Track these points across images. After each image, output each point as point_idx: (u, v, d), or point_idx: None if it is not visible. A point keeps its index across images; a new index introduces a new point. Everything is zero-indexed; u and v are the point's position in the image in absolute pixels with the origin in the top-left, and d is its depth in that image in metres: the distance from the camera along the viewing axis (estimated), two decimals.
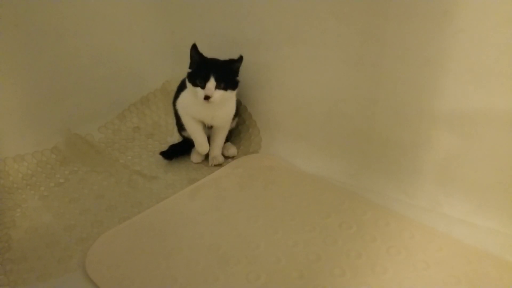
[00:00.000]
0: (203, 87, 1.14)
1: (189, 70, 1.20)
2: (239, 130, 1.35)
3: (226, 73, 1.18)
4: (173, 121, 1.44)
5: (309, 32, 1.16)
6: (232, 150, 1.38)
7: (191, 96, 1.21)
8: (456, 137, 1.01)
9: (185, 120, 1.28)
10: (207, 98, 1.14)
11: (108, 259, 0.95)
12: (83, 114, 1.50)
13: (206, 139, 1.30)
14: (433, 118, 1.03)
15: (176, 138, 1.48)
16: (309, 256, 0.93)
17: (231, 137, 1.42)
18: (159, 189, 1.23)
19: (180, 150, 1.39)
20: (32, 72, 1.37)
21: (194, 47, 1.19)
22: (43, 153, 1.38)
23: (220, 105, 1.21)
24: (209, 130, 1.31)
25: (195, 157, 1.36)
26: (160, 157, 1.37)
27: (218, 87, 1.15)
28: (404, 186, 1.12)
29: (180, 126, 1.34)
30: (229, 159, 1.37)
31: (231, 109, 1.28)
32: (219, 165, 1.34)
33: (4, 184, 1.25)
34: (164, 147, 1.43)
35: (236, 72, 1.23)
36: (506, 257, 0.90)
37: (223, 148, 1.39)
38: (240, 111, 1.40)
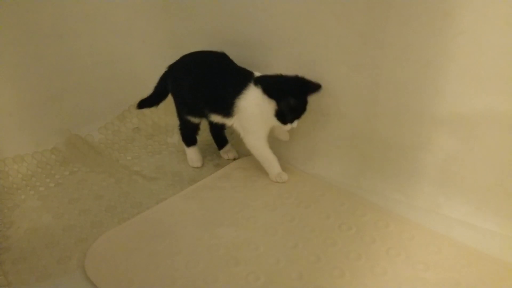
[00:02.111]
0: (288, 124, 1.13)
1: (277, 108, 1.11)
2: (239, 132, 1.35)
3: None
4: (172, 122, 1.44)
5: (310, 33, 1.16)
6: (232, 152, 1.38)
7: (264, 121, 1.15)
8: (456, 139, 1.01)
9: (258, 140, 1.20)
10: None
11: (107, 259, 0.95)
12: (83, 114, 1.50)
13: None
14: (433, 119, 1.03)
15: (176, 139, 1.48)
16: (309, 257, 0.93)
17: (231, 139, 1.42)
18: (159, 190, 1.23)
19: (149, 102, 1.38)
20: (32, 73, 1.37)
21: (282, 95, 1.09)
22: (43, 154, 1.38)
23: None
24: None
25: (194, 162, 1.36)
26: (159, 156, 1.38)
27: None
28: (404, 188, 1.12)
29: (182, 109, 1.30)
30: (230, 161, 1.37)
31: None
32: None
33: (3, 185, 1.25)
34: (164, 148, 1.44)
35: None
36: (506, 259, 0.90)
37: (223, 151, 1.39)
38: None
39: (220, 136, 1.40)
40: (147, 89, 1.56)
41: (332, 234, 0.99)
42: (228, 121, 1.19)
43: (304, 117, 1.27)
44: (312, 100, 1.24)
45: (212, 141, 1.42)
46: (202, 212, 1.10)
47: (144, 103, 1.37)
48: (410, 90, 1.04)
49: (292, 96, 1.09)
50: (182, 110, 1.30)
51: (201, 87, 1.20)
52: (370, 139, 1.16)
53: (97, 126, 1.52)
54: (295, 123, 1.14)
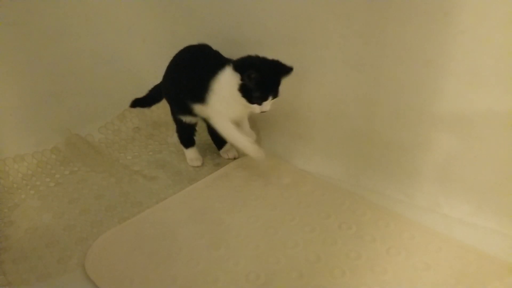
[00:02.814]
0: (260, 104, 1.10)
1: (241, 82, 1.09)
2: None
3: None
4: (173, 121, 1.44)
5: (310, 33, 1.16)
6: (232, 152, 1.38)
7: (233, 101, 1.13)
8: (456, 138, 1.01)
9: (223, 122, 1.18)
10: (263, 112, 1.12)
11: (107, 259, 0.95)
12: (83, 114, 1.50)
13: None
14: (433, 119, 1.03)
15: (176, 139, 1.48)
16: (309, 257, 0.93)
17: None
18: (159, 189, 1.23)
19: (143, 102, 1.41)
20: (32, 72, 1.37)
21: (252, 68, 1.08)
22: (43, 153, 1.38)
23: None
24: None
25: (193, 162, 1.36)
26: (160, 156, 1.39)
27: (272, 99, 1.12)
28: (404, 187, 1.12)
29: (174, 110, 1.31)
30: (230, 161, 1.37)
31: None
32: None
33: (4, 184, 1.25)
34: (165, 148, 1.43)
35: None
36: (506, 258, 0.90)
37: (223, 151, 1.39)
38: None
39: (218, 136, 1.40)
40: (148, 89, 1.57)
41: (332, 233, 0.99)
42: (207, 110, 1.17)
43: (304, 117, 1.27)
44: (312, 99, 1.24)
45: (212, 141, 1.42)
46: (202, 212, 1.10)
47: (138, 103, 1.39)
48: (410, 90, 1.04)
49: (255, 70, 1.07)
50: (174, 110, 1.31)
51: (182, 77, 1.22)
52: (370, 138, 1.16)
53: (97, 126, 1.52)
54: (265, 106, 1.10)
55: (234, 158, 1.37)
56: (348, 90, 1.15)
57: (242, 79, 1.08)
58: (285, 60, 1.24)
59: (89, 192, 1.24)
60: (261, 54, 1.28)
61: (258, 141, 1.40)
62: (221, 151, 1.40)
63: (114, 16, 1.50)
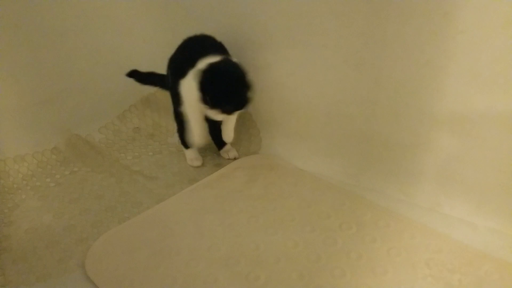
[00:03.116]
0: (229, 114, 1.12)
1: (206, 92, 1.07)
2: (239, 131, 1.36)
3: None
4: (173, 121, 1.44)
5: (310, 33, 1.16)
6: (232, 152, 1.38)
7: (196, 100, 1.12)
8: (456, 138, 1.01)
9: (189, 108, 1.20)
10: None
11: (108, 259, 0.95)
12: (83, 114, 1.51)
13: (204, 132, 1.26)
14: (433, 119, 1.03)
15: (176, 139, 1.48)
16: (309, 257, 0.92)
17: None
18: (159, 190, 1.23)
19: (139, 77, 1.41)
20: (32, 72, 1.37)
21: (213, 82, 1.06)
22: (43, 154, 1.38)
23: None
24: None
25: (193, 161, 1.36)
26: (160, 156, 1.39)
27: None
28: (405, 187, 1.12)
29: (174, 103, 1.31)
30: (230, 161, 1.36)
31: None
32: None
33: (4, 184, 1.25)
34: (165, 148, 1.43)
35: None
36: (507, 258, 0.90)
37: (224, 150, 1.39)
38: None
39: (219, 136, 1.40)
40: (148, 89, 1.57)
41: (332, 233, 0.99)
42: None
43: (305, 117, 1.28)
44: (312, 99, 1.24)
45: (212, 141, 1.42)
46: (202, 212, 1.10)
47: (134, 75, 1.41)
48: (410, 89, 1.03)
49: (210, 95, 1.06)
50: (174, 103, 1.30)
51: (175, 60, 1.25)
52: (371, 138, 1.16)
53: (97, 126, 1.52)
54: (233, 115, 1.12)
55: (235, 158, 1.37)
56: (348, 90, 1.15)
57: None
58: (286, 59, 1.25)
59: (89, 192, 1.24)
60: (262, 54, 1.29)
61: (258, 141, 1.40)
62: (221, 151, 1.40)
63: (115, 16, 1.50)
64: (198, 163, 1.36)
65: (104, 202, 1.18)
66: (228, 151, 1.38)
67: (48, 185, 1.28)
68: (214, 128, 1.37)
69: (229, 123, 1.26)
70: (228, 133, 1.28)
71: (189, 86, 1.12)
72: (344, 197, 1.12)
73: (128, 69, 1.53)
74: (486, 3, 0.85)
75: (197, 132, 1.23)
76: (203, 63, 1.10)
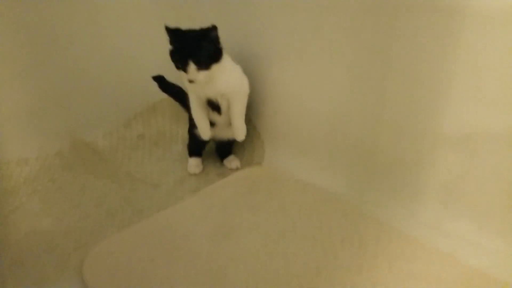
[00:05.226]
0: (185, 71, 1.10)
1: (170, 47, 1.13)
2: (243, 142, 1.35)
3: (205, 49, 1.10)
4: (177, 130, 1.45)
5: (316, 48, 1.16)
6: (235, 162, 1.38)
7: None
8: (459, 157, 1.00)
9: (190, 98, 1.24)
10: (191, 81, 1.12)
11: (105, 266, 0.95)
12: (88, 120, 1.51)
13: (208, 125, 1.27)
14: (437, 136, 1.02)
15: (180, 147, 1.48)
16: (310, 270, 0.91)
17: (234, 149, 1.42)
18: (160, 198, 1.22)
19: (164, 85, 1.42)
20: (39, 77, 1.38)
21: (166, 28, 1.13)
22: (46, 158, 1.38)
23: (213, 79, 1.15)
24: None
25: (192, 168, 1.36)
26: (163, 164, 1.39)
27: (200, 68, 1.09)
28: (407, 203, 1.10)
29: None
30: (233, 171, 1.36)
31: (230, 77, 1.20)
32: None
33: (5, 187, 1.25)
34: (168, 156, 1.43)
35: (215, 42, 1.14)
36: (509, 278, 0.88)
37: (227, 160, 1.39)
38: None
39: (222, 147, 1.40)
40: (154, 97, 1.58)
41: (334, 247, 0.98)
42: None
43: (309, 130, 1.27)
44: (317, 113, 1.24)
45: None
46: (203, 221, 1.09)
47: (160, 81, 1.43)
48: (414, 106, 1.03)
49: (169, 31, 1.12)
50: (187, 108, 1.31)
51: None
52: (374, 153, 1.15)
53: (102, 132, 1.52)
54: (191, 74, 1.09)
55: (237, 169, 1.37)
56: (353, 105, 1.15)
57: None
58: (292, 73, 1.25)
59: (90, 198, 1.23)
60: (268, 67, 1.29)
61: (261, 152, 1.40)
62: (225, 161, 1.40)
63: (124, 24, 1.51)
64: (196, 170, 1.36)
65: (105, 209, 1.18)
66: (231, 161, 1.38)
67: (50, 189, 1.28)
68: (220, 145, 1.39)
69: (235, 117, 1.24)
70: (237, 130, 1.26)
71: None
72: (346, 211, 1.11)
73: (136, 77, 1.55)
74: (492, 24, 0.86)
75: (201, 125, 1.25)
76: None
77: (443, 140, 1.01)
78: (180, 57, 1.10)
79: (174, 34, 1.13)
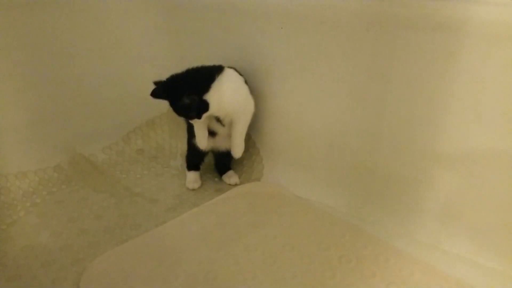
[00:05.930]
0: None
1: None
2: (242, 157, 1.36)
3: (187, 110, 1.16)
4: (176, 144, 1.45)
5: (316, 66, 1.18)
6: (234, 178, 1.38)
7: None
8: (458, 176, 1.01)
9: None
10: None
11: (103, 281, 0.94)
12: (88, 134, 1.51)
13: (206, 135, 1.27)
14: (435, 156, 1.03)
15: (179, 163, 1.49)
16: None
17: (233, 164, 1.43)
18: (159, 213, 1.22)
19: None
20: (39, 90, 1.39)
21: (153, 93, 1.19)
22: (45, 171, 1.38)
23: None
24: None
25: (191, 183, 1.36)
26: (162, 178, 1.39)
27: (194, 118, 1.17)
28: (405, 222, 1.11)
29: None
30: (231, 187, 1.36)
31: (234, 99, 1.22)
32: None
33: (4, 200, 1.25)
34: (167, 171, 1.43)
35: (192, 105, 1.16)
36: None
37: (226, 176, 1.39)
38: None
39: (221, 163, 1.41)
40: (153, 112, 1.59)
41: (331, 266, 0.98)
42: None
43: (308, 147, 1.28)
44: (316, 130, 1.25)
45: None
46: (201, 237, 1.09)
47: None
48: (413, 126, 1.04)
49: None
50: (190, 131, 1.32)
51: None
52: (373, 171, 1.16)
53: (101, 146, 1.53)
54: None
55: (236, 184, 1.37)
56: (352, 123, 1.16)
57: None
58: (291, 89, 1.27)
59: (88, 212, 1.23)
60: (268, 84, 1.31)
61: (260, 169, 1.40)
62: (223, 176, 1.40)
63: (124, 39, 1.53)
64: (195, 185, 1.36)
65: (103, 223, 1.17)
66: (230, 177, 1.38)
67: (48, 202, 1.27)
68: (220, 158, 1.39)
69: (235, 136, 1.26)
70: (235, 147, 1.28)
71: None
72: (344, 229, 1.11)
73: (135, 92, 1.55)
74: (491, 44, 0.87)
75: (199, 134, 1.26)
76: None
77: (442, 159, 1.02)
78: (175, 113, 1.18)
79: (160, 96, 1.20)
